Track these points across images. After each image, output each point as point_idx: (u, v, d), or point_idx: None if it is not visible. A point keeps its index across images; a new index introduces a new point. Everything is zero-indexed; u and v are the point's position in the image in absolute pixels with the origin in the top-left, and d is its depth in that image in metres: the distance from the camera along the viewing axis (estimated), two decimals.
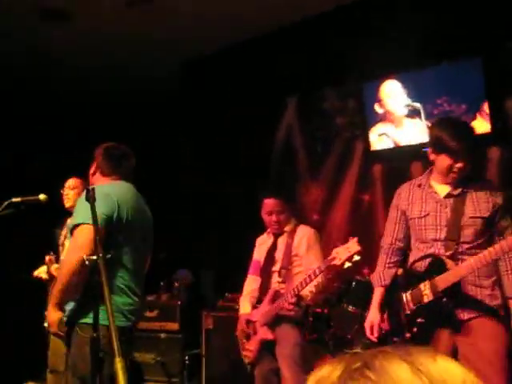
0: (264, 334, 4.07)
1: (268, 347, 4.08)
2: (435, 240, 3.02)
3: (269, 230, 4.37)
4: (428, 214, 3.06)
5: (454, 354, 2.89)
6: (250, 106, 6.33)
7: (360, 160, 6.17)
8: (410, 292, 3.02)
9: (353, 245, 3.60)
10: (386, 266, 3.23)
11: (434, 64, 5.62)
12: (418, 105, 5.78)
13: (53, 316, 3.01)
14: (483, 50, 5.32)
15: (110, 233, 2.93)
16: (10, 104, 6.57)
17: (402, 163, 5.85)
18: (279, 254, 4.22)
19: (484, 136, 5.40)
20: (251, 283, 4.38)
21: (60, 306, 2.98)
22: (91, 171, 3.37)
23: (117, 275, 3.01)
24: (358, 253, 3.60)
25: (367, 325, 3.18)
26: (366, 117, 6.05)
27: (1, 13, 5.37)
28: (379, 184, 6.10)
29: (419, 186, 3.16)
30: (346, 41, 5.78)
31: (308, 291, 3.95)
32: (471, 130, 3.18)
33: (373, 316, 3.17)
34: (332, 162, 6.23)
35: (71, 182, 4.46)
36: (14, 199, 3.50)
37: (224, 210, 6.47)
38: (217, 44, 6.23)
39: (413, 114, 5.81)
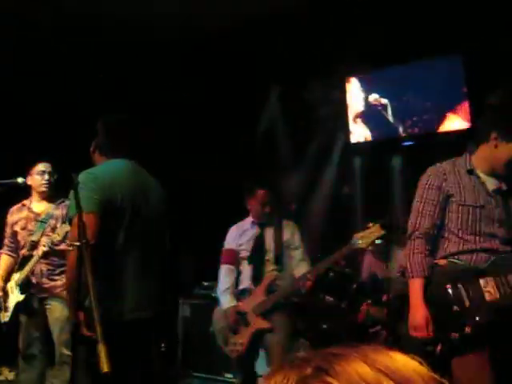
0: (260, 324, 3.97)
1: (259, 337, 4.01)
2: (492, 235, 2.73)
3: (251, 219, 4.31)
4: (483, 206, 2.74)
5: None
6: (234, 93, 6.33)
7: (340, 152, 6.22)
8: (462, 287, 2.65)
9: (376, 229, 3.72)
10: (426, 253, 2.77)
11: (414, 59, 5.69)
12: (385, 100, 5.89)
13: (78, 319, 2.55)
14: (464, 48, 5.39)
15: (103, 217, 2.70)
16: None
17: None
18: (269, 244, 4.17)
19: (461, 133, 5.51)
20: (229, 274, 4.24)
21: (79, 305, 2.52)
22: (91, 149, 3.07)
23: (122, 262, 2.79)
24: (381, 237, 3.74)
25: (422, 322, 2.69)
26: (347, 109, 6.11)
27: None
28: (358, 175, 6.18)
29: (469, 172, 2.78)
30: (332, 32, 5.80)
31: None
32: None
33: (423, 312, 2.68)
34: (313, 152, 6.26)
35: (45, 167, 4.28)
36: None
37: (206, 197, 6.46)
38: (204, 30, 6.18)
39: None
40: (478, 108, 5.35)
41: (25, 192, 4.26)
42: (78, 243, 2.19)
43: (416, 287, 2.74)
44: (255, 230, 4.26)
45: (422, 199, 2.82)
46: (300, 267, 4.08)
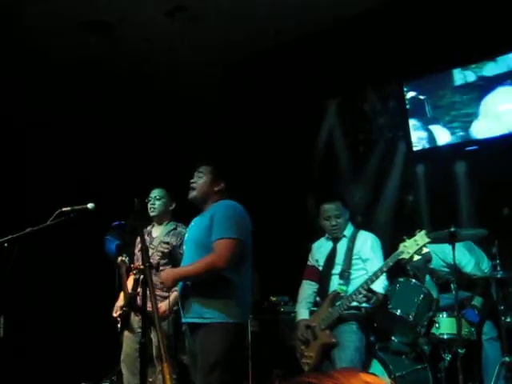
0: (326, 337, 4.00)
1: (327, 351, 4.03)
2: None
3: (327, 235, 4.36)
4: None
5: None
6: (291, 109, 6.39)
7: (402, 160, 6.15)
8: None
9: (421, 237, 3.64)
10: None
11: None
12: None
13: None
14: None
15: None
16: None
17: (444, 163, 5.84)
18: (340, 258, 4.19)
19: None
20: (307, 288, 4.36)
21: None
22: (214, 183, 3.61)
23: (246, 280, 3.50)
24: (425, 245, 3.66)
25: None
26: (407, 117, 6.04)
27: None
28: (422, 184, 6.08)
29: None
30: (386, 42, 5.77)
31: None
32: None
33: None
34: (374, 163, 6.22)
35: (158, 193, 4.62)
36: (63, 208, 3.63)
37: (270, 212, 6.52)
38: (256, 48, 6.27)
39: None
40: None
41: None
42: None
43: None
44: (330, 245, 4.32)
45: None
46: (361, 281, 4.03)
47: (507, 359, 4.31)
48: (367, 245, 4.16)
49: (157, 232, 4.57)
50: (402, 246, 3.71)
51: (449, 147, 5.92)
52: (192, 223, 3.73)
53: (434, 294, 4.82)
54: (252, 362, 5.46)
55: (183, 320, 3.51)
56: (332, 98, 6.54)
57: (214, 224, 3.43)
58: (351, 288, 4.05)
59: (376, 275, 3.86)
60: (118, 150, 6.93)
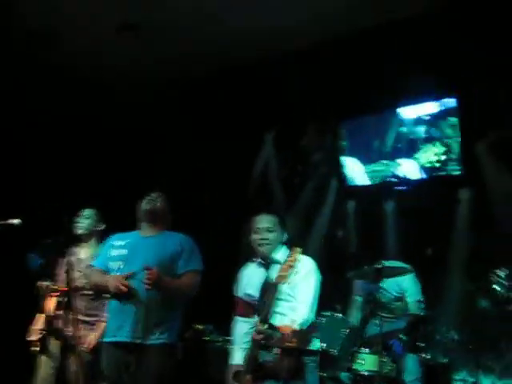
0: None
1: None
2: None
3: (258, 259, 3.87)
4: None
5: None
6: (229, 138, 6.44)
7: (334, 195, 6.27)
8: None
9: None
10: None
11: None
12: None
13: None
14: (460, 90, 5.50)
15: None
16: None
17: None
18: None
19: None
20: (240, 327, 3.84)
21: None
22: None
23: None
24: None
25: None
26: (342, 153, 6.19)
27: None
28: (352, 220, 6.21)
29: None
30: (327, 78, 5.92)
31: None
32: None
33: None
34: (307, 195, 6.30)
35: (86, 212, 4.57)
36: None
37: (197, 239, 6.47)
38: (203, 70, 6.32)
39: None
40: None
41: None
42: None
43: None
44: (262, 273, 3.80)
45: None
46: None
47: None
48: (302, 271, 3.59)
49: (85, 254, 4.44)
50: None
51: (379, 185, 6.10)
52: (131, 239, 3.76)
53: None
54: None
55: (122, 339, 3.51)
56: (270, 129, 6.62)
57: (186, 254, 3.69)
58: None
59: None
60: (65, 163, 6.73)
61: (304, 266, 3.63)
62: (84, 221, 4.50)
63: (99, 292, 3.86)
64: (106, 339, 3.63)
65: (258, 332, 3.29)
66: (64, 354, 2.46)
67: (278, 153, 6.61)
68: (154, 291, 3.51)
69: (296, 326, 3.35)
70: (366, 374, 4.52)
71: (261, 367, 3.30)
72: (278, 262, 3.65)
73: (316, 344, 3.65)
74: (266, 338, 3.30)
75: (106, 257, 3.75)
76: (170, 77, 6.36)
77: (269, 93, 6.19)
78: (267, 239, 3.69)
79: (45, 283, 4.25)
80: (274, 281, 3.50)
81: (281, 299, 3.50)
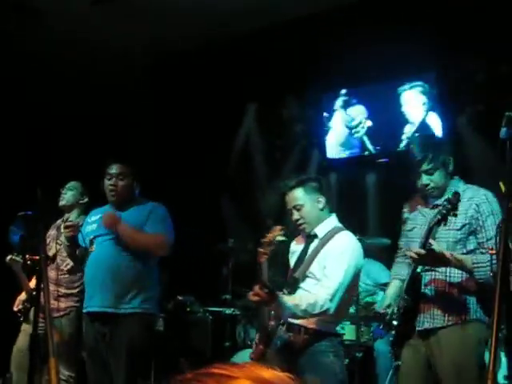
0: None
1: None
2: None
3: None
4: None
5: None
6: (212, 109, 6.42)
7: (316, 168, 6.29)
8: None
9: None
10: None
11: (387, 80, 5.81)
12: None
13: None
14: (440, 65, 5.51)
15: None
16: None
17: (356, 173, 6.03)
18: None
19: None
20: None
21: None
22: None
23: None
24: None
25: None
26: (323, 125, 6.20)
27: None
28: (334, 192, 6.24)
29: None
30: (308, 51, 5.91)
31: None
32: None
33: None
34: (289, 168, 6.31)
35: (70, 184, 4.57)
36: None
37: (183, 211, 6.50)
38: (183, 44, 6.27)
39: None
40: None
41: None
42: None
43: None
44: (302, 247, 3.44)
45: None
46: None
47: (399, 363, 4.52)
48: (337, 249, 3.10)
49: None
50: None
51: (361, 158, 6.12)
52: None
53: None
54: (155, 360, 5.42)
55: (94, 310, 3.58)
56: (252, 102, 6.61)
57: (152, 220, 3.68)
58: None
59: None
60: (39, 139, 6.69)
61: (338, 246, 3.11)
62: (67, 192, 4.50)
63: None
64: (84, 310, 3.69)
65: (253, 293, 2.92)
66: (36, 323, 2.46)
67: (259, 126, 6.60)
68: (121, 255, 3.58)
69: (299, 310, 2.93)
70: (344, 343, 4.62)
71: (269, 337, 3.13)
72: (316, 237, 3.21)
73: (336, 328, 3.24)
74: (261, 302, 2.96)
75: (83, 234, 3.79)
76: (147, 51, 6.32)
77: (249, 65, 6.17)
78: (299, 219, 3.19)
79: (8, 257, 4.30)
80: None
81: (308, 277, 3.13)
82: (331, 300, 2.95)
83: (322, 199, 3.20)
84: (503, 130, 2.18)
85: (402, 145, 5.80)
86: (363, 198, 6.04)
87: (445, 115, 5.53)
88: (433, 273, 3.03)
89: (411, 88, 5.72)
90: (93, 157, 4.28)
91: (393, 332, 3.20)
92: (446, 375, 2.94)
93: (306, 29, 5.85)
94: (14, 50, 6.08)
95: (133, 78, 6.55)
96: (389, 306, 3.15)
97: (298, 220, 3.17)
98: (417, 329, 3.04)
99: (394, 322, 3.10)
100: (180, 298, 5.59)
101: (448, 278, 3.01)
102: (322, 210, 3.19)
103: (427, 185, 3.11)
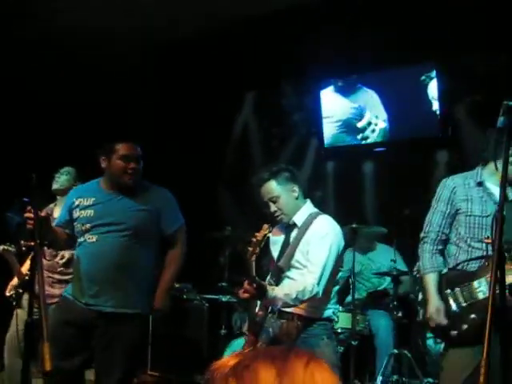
0: None
1: None
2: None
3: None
4: (489, 215, 2.92)
5: None
6: (210, 97, 6.41)
7: (314, 156, 6.28)
8: (459, 289, 2.92)
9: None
10: (433, 252, 3.08)
11: (387, 67, 5.78)
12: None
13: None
14: (437, 57, 5.48)
15: None
16: None
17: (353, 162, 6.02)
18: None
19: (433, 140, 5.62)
20: None
21: None
22: None
23: None
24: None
25: (433, 312, 2.93)
26: (321, 114, 6.17)
27: None
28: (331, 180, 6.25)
29: (479, 184, 3.04)
30: (306, 39, 5.87)
31: None
32: None
33: (435, 303, 2.96)
34: (286, 157, 6.31)
35: (66, 169, 4.58)
36: None
37: (180, 198, 6.49)
38: (181, 33, 6.24)
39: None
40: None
41: None
42: None
43: (430, 282, 3.03)
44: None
45: (433, 209, 3.15)
46: None
47: (395, 351, 4.56)
48: (317, 234, 3.15)
49: (58, 212, 4.43)
50: None
51: (358, 147, 6.11)
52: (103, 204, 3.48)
53: None
54: (152, 348, 5.43)
55: (106, 310, 3.33)
56: (250, 90, 6.60)
57: (166, 213, 3.52)
58: None
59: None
60: (34, 126, 6.66)
61: (317, 231, 3.16)
62: (61, 176, 4.50)
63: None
64: (86, 306, 3.42)
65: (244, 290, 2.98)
66: (31, 308, 2.46)
67: (257, 115, 6.59)
68: (132, 251, 3.38)
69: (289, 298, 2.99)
70: (339, 330, 4.64)
71: (257, 326, 3.14)
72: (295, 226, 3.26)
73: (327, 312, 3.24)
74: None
75: (69, 218, 3.54)
76: (146, 42, 6.30)
77: (248, 54, 6.15)
78: (276, 211, 3.24)
79: (1, 247, 4.31)
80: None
81: (293, 266, 3.17)
82: (318, 284, 3.02)
83: (296, 188, 3.25)
84: (500, 119, 2.17)
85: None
86: (361, 186, 6.05)
87: (444, 105, 5.51)
88: None
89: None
90: (89, 144, 4.23)
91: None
92: None
93: (304, 15, 5.81)
94: (8, 36, 6.04)
95: (133, 67, 6.52)
96: (439, 311, 2.96)
97: (275, 212, 3.22)
98: None
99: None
100: (177, 285, 5.60)
101: None
102: (297, 198, 3.24)
103: None
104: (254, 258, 3.05)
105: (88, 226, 3.43)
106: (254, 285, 2.89)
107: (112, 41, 6.23)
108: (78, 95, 6.54)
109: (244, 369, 0.87)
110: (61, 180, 4.49)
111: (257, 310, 3.15)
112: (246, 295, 2.95)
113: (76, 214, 3.51)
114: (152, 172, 3.73)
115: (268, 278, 3.17)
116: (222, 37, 6.21)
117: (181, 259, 3.58)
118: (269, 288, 2.97)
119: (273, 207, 3.21)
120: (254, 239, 3.05)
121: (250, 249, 3.06)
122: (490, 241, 2.62)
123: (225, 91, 6.38)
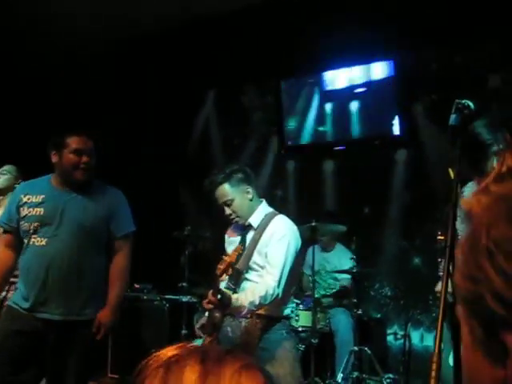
0: None
1: None
2: None
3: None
4: None
5: None
6: (171, 95, 6.35)
7: (274, 156, 6.29)
8: None
9: None
10: None
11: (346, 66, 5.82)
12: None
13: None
14: (395, 56, 5.54)
15: None
16: None
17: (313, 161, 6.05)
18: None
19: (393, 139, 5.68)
20: None
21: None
22: None
23: None
24: None
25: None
26: (282, 113, 6.18)
27: None
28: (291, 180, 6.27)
29: None
30: (266, 38, 5.87)
31: None
32: None
33: None
34: (247, 155, 6.31)
35: (5, 168, 4.45)
36: None
37: (140, 198, 6.42)
38: (142, 29, 6.16)
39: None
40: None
41: None
42: None
43: None
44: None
45: None
46: None
47: (356, 348, 4.59)
48: (275, 235, 3.11)
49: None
50: None
51: (318, 145, 6.14)
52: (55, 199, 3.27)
53: None
54: (111, 350, 5.37)
55: (54, 318, 3.16)
56: (211, 88, 6.56)
57: (118, 216, 3.34)
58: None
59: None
60: None
61: (275, 232, 3.12)
62: (1, 176, 4.40)
63: None
64: (28, 311, 3.22)
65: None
66: None
67: (218, 113, 6.57)
68: (84, 254, 3.22)
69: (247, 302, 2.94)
70: (300, 329, 4.66)
71: (215, 327, 3.07)
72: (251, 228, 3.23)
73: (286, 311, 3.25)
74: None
75: (17, 216, 3.30)
76: (108, 36, 6.19)
77: (208, 52, 6.12)
78: (231, 214, 3.20)
79: None
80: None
81: (251, 268, 3.14)
82: (278, 286, 3.01)
83: (250, 189, 3.21)
84: (452, 117, 2.19)
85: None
86: (321, 185, 6.08)
87: (401, 103, 5.58)
88: None
89: None
90: (36, 139, 4.05)
91: None
92: None
93: (265, 15, 5.81)
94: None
95: (93, 58, 6.40)
96: None
97: (230, 215, 3.18)
98: None
99: None
100: (137, 285, 5.55)
101: None
102: (251, 200, 3.20)
103: None
104: (224, 277, 3.03)
105: (36, 224, 3.21)
106: (218, 296, 2.86)
107: (73, 28, 6.09)
108: (25, 84, 6.35)
109: (174, 363, 0.85)
110: (1, 180, 4.38)
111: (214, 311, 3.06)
112: (210, 306, 2.91)
113: (24, 211, 3.26)
114: (109, 169, 3.65)
115: (226, 281, 3.10)
116: (183, 35, 6.16)
117: (127, 273, 3.40)
118: (233, 297, 2.93)
119: (228, 210, 3.17)
120: (227, 259, 2.97)
121: (221, 267, 2.97)
122: (442, 237, 2.66)
123: (186, 88, 6.34)
